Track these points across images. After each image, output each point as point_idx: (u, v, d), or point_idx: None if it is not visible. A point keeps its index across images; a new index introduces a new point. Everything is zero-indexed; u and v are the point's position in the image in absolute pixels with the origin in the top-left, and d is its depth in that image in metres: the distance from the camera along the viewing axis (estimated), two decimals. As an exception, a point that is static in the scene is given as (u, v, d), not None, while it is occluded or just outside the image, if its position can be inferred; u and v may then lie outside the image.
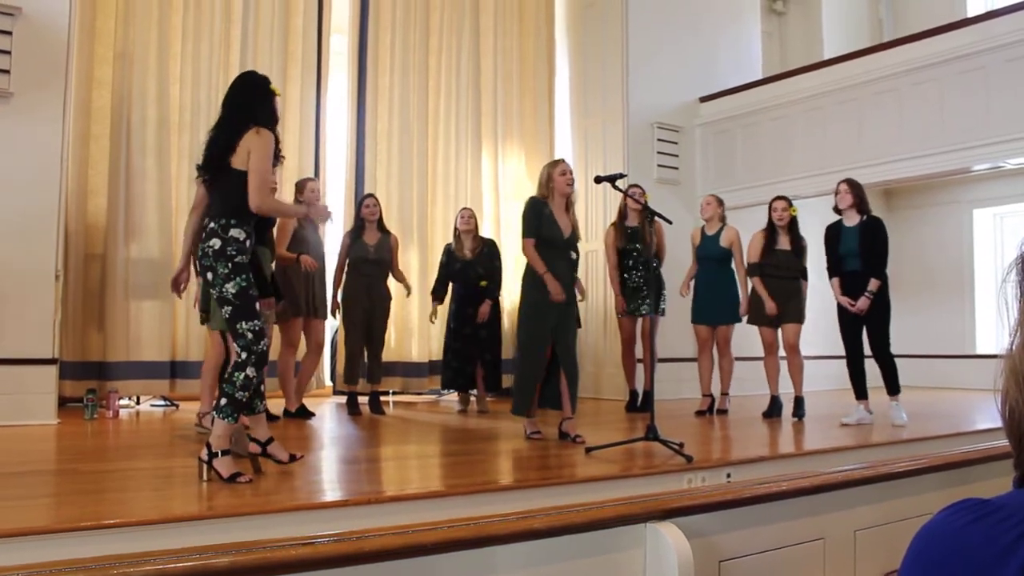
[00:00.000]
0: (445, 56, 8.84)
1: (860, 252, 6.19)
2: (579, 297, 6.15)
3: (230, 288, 3.65)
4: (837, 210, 6.39)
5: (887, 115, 7.73)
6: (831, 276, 6.37)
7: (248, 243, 3.74)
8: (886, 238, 6.24)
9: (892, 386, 6.20)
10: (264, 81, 3.97)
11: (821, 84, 8.38)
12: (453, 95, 8.83)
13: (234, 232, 3.68)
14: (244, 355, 3.68)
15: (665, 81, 9.19)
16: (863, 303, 6.12)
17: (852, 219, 6.31)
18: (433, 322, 7.57)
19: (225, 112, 3.87)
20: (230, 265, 3.66)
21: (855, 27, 11.23)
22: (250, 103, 3.84)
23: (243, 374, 3.67)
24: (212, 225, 3.69)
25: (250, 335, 3.67)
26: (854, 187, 6.32)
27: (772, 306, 6.63)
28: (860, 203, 6.29)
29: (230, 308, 3.67)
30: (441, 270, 7.39)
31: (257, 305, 3.73)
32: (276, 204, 3.71)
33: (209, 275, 3.70)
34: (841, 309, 6.30)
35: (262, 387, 3.92)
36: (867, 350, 6.26)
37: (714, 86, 9.43)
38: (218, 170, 3.73)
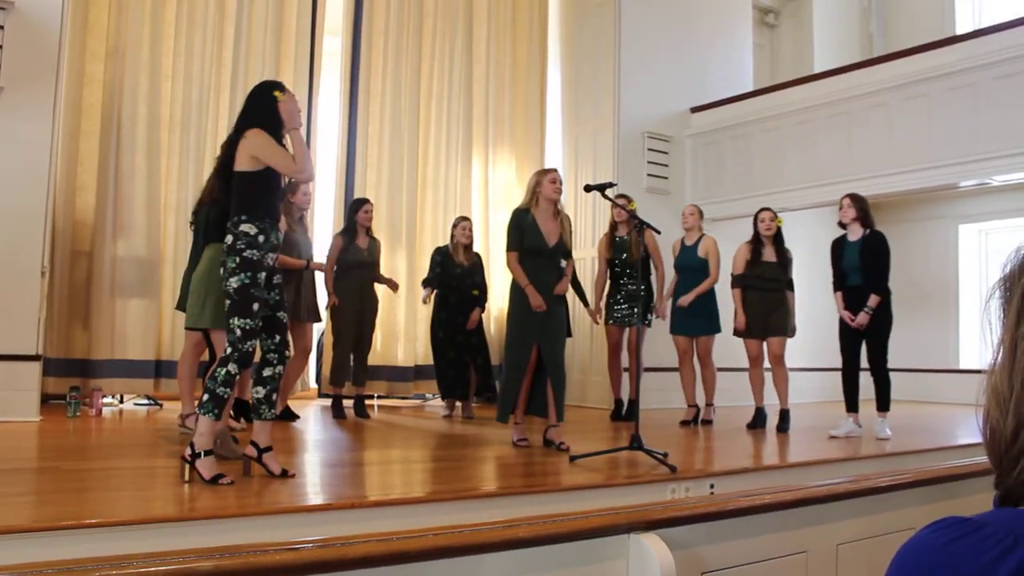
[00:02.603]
0: (437, 62, 8.85)
1: (861, 267, 6.20)
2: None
3: (233, 283, 3.74)
4: (842, 224, 6.41)
5: (876, 129, 7.77)
6: (835, 290, 6.40)
7: (262, 239, 3.80)
8: (887, 253, 6.23)
9: (882, 402, 6.23)
10: (266, 86, 4.04)
11: (811, 97, 8.41)
12: (445, 101, 8.84)
13: (244, 227, 3.78)
14: (229, 350, 3.74)
15: (656, 91, 9.21)
16: (862, 318, 6.14)
17: (855, 233, 6.32)
18: (427, 304, 7.53)
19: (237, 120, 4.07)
20: (238, 260, 3.75)
21: (846, 41, 11.30)
22: (249, 111, 3.97)
23: (225, 370, 3.72)
24: (228, 224, 3.83)
25: (239, 332, 3.72)
26: (857, 201, 6.33)
27: (742, 320, 6.72)
28: (863, 217, 6.30)
29: (229, 302, 3.77)
30: (436, 268, 7.34)
31: (255, 306, 3.75)
32: (298, 162, 3.86)
33: (221, 269, 3.85)
34: (842, 322, 6.32)
35: (274, 396, 3.93)
36: (863, 364, 6.29)
37: (705, 97, 9.46)
38: (228, 174, 3.92)
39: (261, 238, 3.80)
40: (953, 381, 10.26)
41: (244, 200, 3.83)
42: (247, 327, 3.73)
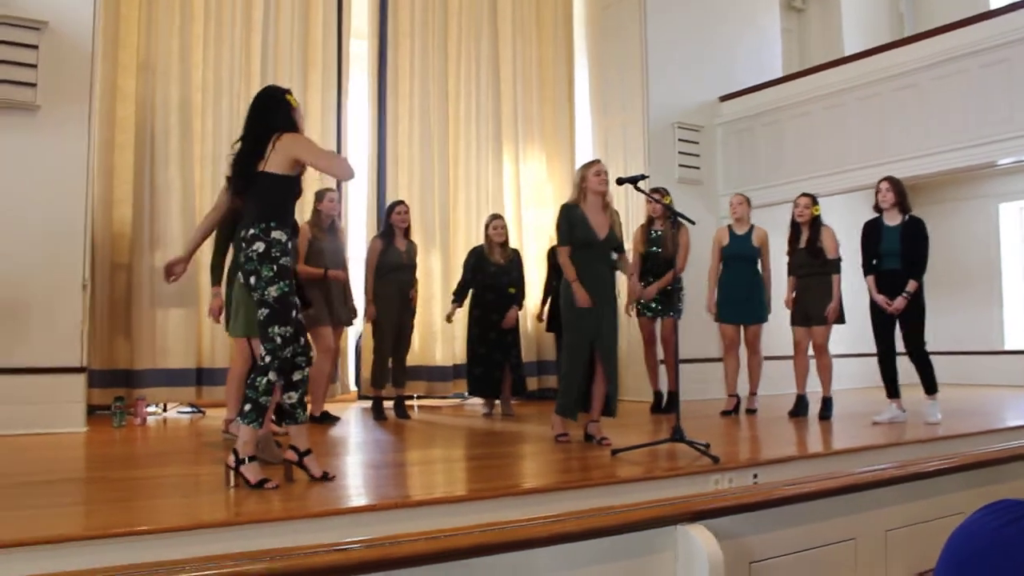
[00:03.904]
0: (464, 61, 8.86)
1: (901, 252, 6.11)
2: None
3: (272, 291, 3.68)
4: (878, 208, 6.32)
5: (910, 110, 7.65)
6: (866, 274, 6.30)
7: (290, 245, 3.78)
8: (927, 239, 6.15)
9: (929, 385, 6.14)
10: (279, 92, 4.00)
11: (842, 80, 8.30)
12: (473, 100, 8.85)
13: (276, 234, 3.72)
14: (268, 359, 3.71)
15: (685, 81, 9.16)
16: (900, 303, 6.05)
17: (894, 218, 6.23)
18: (450, 322, 7.53)
19: (246, 125, 3.93)
20: (275, 268, 3.69)
21: (875, 22, 11.14)
22: (267, 113, 3.89)
23: (265, 379, 3.71)
24: (252, 231, 3.72)
25: (279, 340, 3.69)
26: (895, 185, 6.24)
27: (788, 299, 6.76)
28: (902, 202, 6.22)
29: (267, 311, 3.70)
30: (468, 273, 7.34)
31: (294, 312, 3.75)
32: (337, 160, 3.93)
33: (252, 279, 3.72)
34: (875, 307, 6.22)
35: (305, 397, 3.94)
36: (899, 348, 6.20)
37: (734, 84, 9.39)
38: (248, 179, 3.80)
39: (290, 245, 3.78)
40: (998, 363, 10.10)
41: (275, 205, 3.76)
42: (287, 334, 3.70)
